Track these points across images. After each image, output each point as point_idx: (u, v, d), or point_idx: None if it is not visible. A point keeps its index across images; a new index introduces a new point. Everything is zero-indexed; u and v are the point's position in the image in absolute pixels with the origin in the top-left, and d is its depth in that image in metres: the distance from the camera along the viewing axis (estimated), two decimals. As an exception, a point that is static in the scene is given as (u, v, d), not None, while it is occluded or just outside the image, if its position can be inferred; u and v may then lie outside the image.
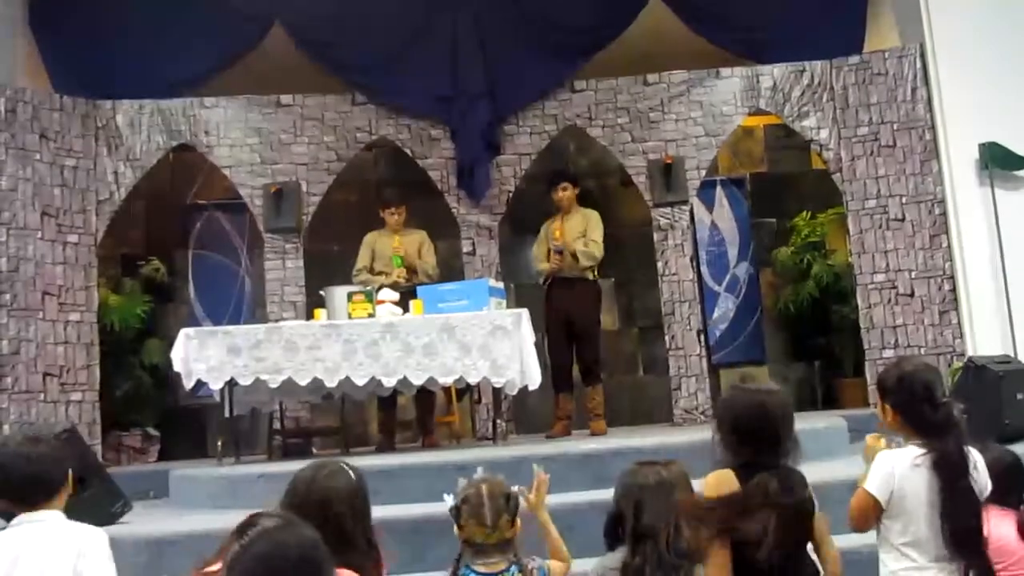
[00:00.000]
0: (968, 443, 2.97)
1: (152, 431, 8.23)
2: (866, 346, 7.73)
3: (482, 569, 2.94)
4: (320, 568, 1.89)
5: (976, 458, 3.00)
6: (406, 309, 6.33)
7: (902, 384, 3.03)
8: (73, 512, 4.76)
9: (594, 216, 7.24)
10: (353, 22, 8.13)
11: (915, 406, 2.98)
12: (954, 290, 7.55)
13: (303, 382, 5.96)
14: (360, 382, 6.00)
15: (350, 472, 2.71)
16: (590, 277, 7.16)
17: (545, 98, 8.26)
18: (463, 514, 2.97)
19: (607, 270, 9.42)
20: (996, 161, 7.42)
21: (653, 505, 2.81)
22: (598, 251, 7.09)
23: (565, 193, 7.25)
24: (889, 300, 7.72)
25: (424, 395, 6.96)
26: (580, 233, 7.10)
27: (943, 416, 2.96)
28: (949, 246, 7.62)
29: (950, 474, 2.87)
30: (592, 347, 7.20)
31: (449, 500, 3.02)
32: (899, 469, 2.92)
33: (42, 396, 7.16)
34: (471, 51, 8.10)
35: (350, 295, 6.25)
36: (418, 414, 7.26)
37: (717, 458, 2.87)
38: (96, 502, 4.91)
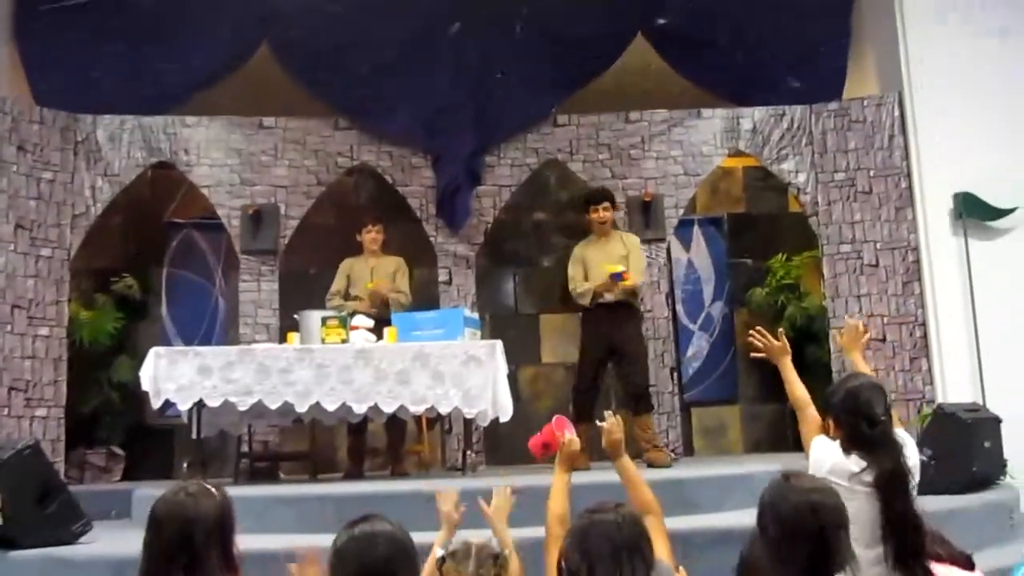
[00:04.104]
0: (905, 462, 3.04)
1: (117, 450, 8.13)
2: (838, 389, 7.75)
3: None
4: (404, 554, 2.41)
5: (906, 440, 3.14)
6: (380, 336, 6.31)
7: (843, 398, 3.16)
8: (33, 530, 4.71)
9: (635, 243, 7.05)
10: (340, 46, 8.14)
11: (853, 421, 3.09)
12: (925, 337, 7.61)
13: (273, 406, 5.91)
14: (331, 407, 5.96)
15: (214, 493, 2.69)
16: (636, 304, 6.96)
17: (528, 131, 8.29)
18: (446, 565, 2.96)
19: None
20: (970, 211, 7.51)
21: (607, 566, 2.73)
22: (641, 279, 6.91)
23: (606, 214, 6.95)
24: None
25: (395, 423, 6.92)
26: (622, 258, 6.81)
27: (879, 433, 3.05)
28: (922, 293, 7.68)
29: (889, 492, 2.94)
30: (642, 373, 6.92)
31: (439, 553, 3.01)
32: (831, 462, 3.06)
33: (6, 411, 7.05)
34: (457, 80, 8.14)
35: (324, 320, 6.22)
36: (388, 442, 7.22)
37: (760, 563, 2.63)
38: (56, 520, 4.85)
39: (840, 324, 7.77)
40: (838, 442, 3.14)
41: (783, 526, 2.50)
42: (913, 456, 3.14)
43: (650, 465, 6.50)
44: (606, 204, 6.96)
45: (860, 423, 3.07)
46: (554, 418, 3.43)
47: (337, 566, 2.40)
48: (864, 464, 3.01)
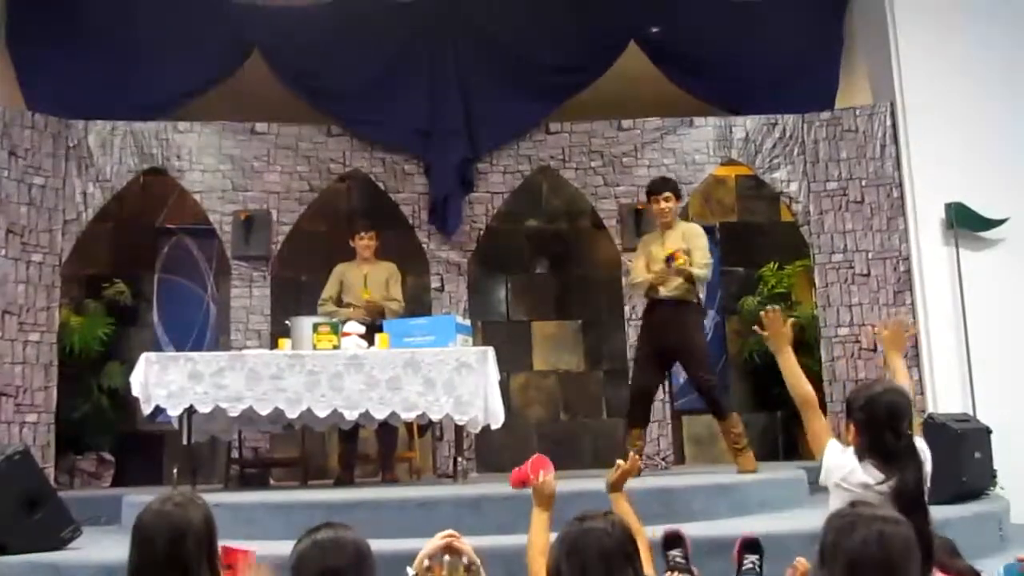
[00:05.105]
0: (925, 477, 2.97)
1: (107, 456, 8.10)
2: (828, 399, 7.76)
3: None
4: (365, 561, 2.39)
5: (924, 449, 3.05)
6: (372, 342, 6.30)
7: (868, 405, 3.02)
8: (22, 536, 4.69)
9: (696, 232, 6.53)
10: (333, 52, 8.16)
11: (877, 431, 2.98)
12: (916, 347, 7.62)
13: (264, 412, 5.90)
14: (322, 414, 5.95)
15: (199, 502, 2.68)
16: (693, 300, 6.40)
17: (520, 138, 8.30)
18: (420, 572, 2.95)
19: (574, 311, 9.48)
20: (962, 221, 7.53)
21: (598, 572, 2.73)
22: (708, 272, 6.41)
23: (668, 204, 6.45)
24: (852, 354, 7.77)
25: (386, 430, 6.91)
26: (683, 252, 6.30)
27: (904, 446, 2.95)
28: (913, 303, 7.70)
29: (908, 507, 2.78)
30: (709, 372, 6.35)
31: (410, 572, 3.00)
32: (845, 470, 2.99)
33: (-4, 416, 7.04)
34: (450, 87, 8.15)
35: (315, 326, 6.21)
36: (379, 449, 7.21)
37: None
38: (45, 526, 4.83)
39: (831, 334, 7.83)
40: (852, 448, 3.05)
41: (850, 562, 2.21)
42: (928, 464, 3.07)
43: (742, 471, 6.18)
44: (667, 194, 6.47)
45: (884, 433, 2.96)
46: (533, 457, 3.43)
47: (299, 571, 2.38)
48: (881, 476, 2.93)
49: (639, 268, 6.56)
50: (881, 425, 2.98)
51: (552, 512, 3.27)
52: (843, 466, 3.04)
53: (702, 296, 6.54)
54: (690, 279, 6.27)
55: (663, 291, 6.33)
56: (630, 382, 6.76)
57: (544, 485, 3.31)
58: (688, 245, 6.34)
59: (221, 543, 2.76)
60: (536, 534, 3.21)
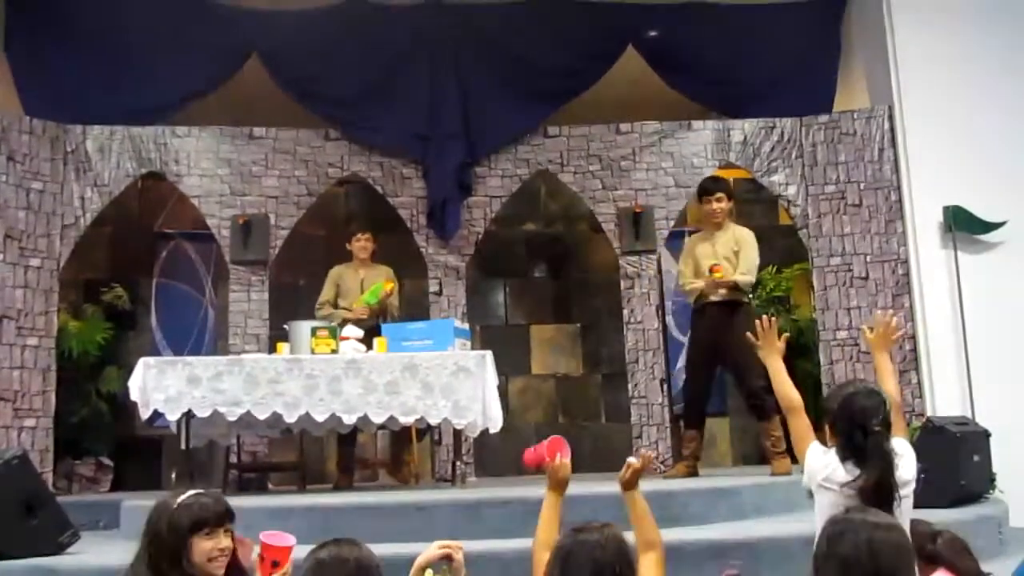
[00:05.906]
0: (895, 475, 2.98)
1: (105, 460, 8.10)
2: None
3: None
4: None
5: (905, 451, 3.07)
6: (370, 346, 6.30)
7: (839, 406, 3.08)
8: (20, 541, 4.68)
9: (747, 238, 6.62)
10: (332, 56, 8.16)
11: (848, 430, 3.02)
12: (915, 350, 7.62)
13: (262, 416, 5.89)
14: (320, 418, 5.95)
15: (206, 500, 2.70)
16: (743, 299, 6.51)
17: (518, 142, 8.30)
18: None
19: (572, 314, 9.49)
20: (960, 224, 7.53)
21: None
22: (753, 277, 6.57)
23: (720, 205, 6.59)
24: (851, 357, 7.77)
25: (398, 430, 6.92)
26: (731, 253, 6.51)
27: (872, 445, 2.97)
28: (911, 306, 7.70)
29: (872, 504, 2.81)
30: (753, 378, 6.11)
31: None
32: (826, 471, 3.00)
33: (-6, 421, 7.03)
34: (448, 90, 8.15)
35: (314, 330, 6.21)
36: (391, 448, 7.23)
37: None
38: (44, 531, 4.82)
39: (830, 337, 7.82)
40: (834, 450, 3.07)
41: (841, 568, 2.27)
42: (911, 467, 3.07)
43: (774, 474, 6.27)
44: (719, 195, 6.61)
45: (855, 432, 3.00)
46: (550, 438, 3.38)
47: None
48: (857, 472, 2.96)
49: (687, 273, 6.68)
50: (851, 424, 3.02)
51: (563, 496, 3.23)
52: (826, 466, 3.05)
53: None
54: (736, 287, 6.43)
55: (712, 294, 6.46)
56: (683, 387, 6.88)
57: (560, 467, 3.27)
58: (741, 250, 6.52)
59: (261, 538, 2.79)
60: (544, 525, 3.16)
